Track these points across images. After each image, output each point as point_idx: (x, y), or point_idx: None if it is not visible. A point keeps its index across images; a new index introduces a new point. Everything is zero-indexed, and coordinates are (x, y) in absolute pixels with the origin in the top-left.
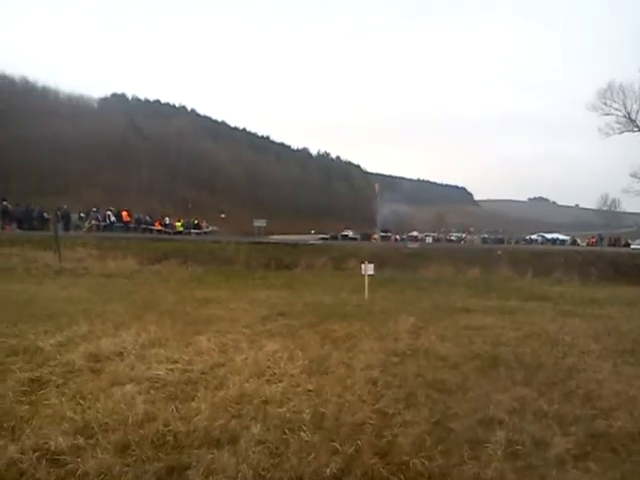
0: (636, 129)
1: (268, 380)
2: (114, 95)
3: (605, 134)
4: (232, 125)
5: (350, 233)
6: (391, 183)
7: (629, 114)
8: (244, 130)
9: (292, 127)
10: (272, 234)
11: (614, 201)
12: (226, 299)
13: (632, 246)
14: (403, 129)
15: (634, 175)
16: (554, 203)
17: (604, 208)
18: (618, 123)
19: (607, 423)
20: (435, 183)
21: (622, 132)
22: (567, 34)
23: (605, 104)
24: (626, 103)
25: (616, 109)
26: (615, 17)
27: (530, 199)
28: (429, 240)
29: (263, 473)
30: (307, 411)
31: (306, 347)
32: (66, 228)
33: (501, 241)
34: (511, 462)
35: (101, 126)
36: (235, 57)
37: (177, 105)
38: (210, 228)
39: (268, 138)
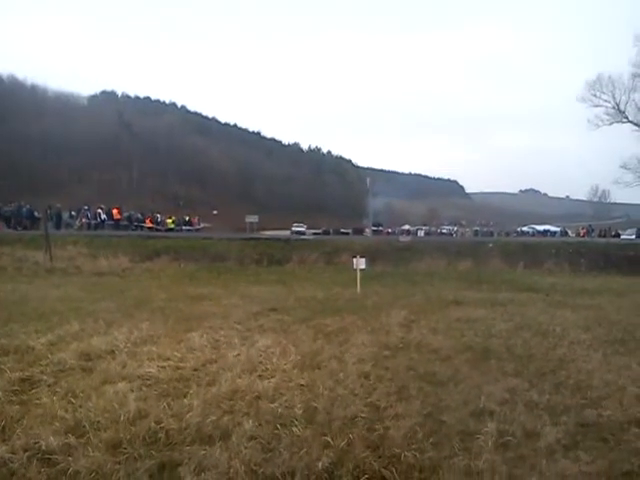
0: (625, 120)
1: (260, 375)
2: (104, 92)
3: (595, 125)
4: (223, 121)
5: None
6: (383, 177)
7: (618, 105)
8: (235, 126)
9: (283, 122)
10: (264, 230)
11: (604, 192)
12: (218, 295)
13: (622, 236)
14: (394, 123)
15: (624, 166)
16: (545, 195)
17: (594, 199)
18: (607, 114)
19: (597, 413)
20: (427, 177)
21: (611, 123)
22: (557, 26)
23: (594, 96)
24: (615, 94)
25: (605, 100)
26: (604, 9)
27: (521, 191)
28: (421, 234)
29: (255, 468)
30: (299, 406)
31: (298, 342)
32: (57, 227)
33: (492, 233)
34: (502, 453)
35: (91, 123)
36: (225, 53)
37: (167, 102)
38: (202, 225)
39: (259, 134)
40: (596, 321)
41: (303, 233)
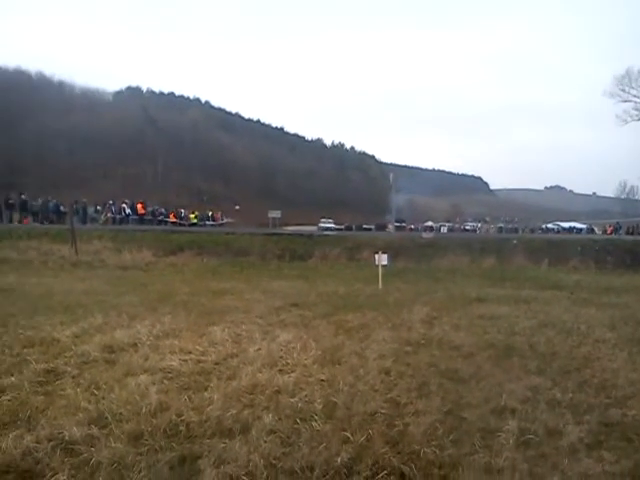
0: None
1: (281, 370)
2: (129, 88)
3: (623, 121)
4: (246, 116)
5: (330, 224)
6: (406, 173)
7: None
8: (258, 121)
9: (306, 118)
10: (287, 225)
11: (632, 188)
12: (240, 290)
13: None
14: (418, 119)
15: None
16: (571, 192)
17: (622, 196)
18: (636, 110)
19: (621, 412)
20: (450, 173)
21: None
22: (581, 19)
23: (623, 90)
24: None
25: (634, 95)
26: (633, 2)
27: (547, 188)
28: (444, 230)
29: (274, 462)
30: (319, 401)
31: (319, 337)
32: (83, 221)
33: (517, 230)
34: (523, 451)
35: (116, 119)
36: (249, 48)
37: (191, 97)
38: (225, 220)
39: (282, 129)
40: (622, 319)
41: (330, 229)
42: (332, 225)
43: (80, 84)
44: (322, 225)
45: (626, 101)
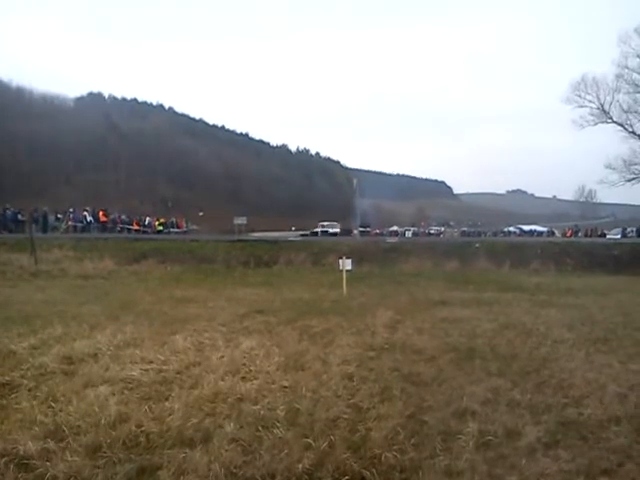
0: (610, 120)
1: (243, 377)
2: (90, 94)
3: (579, 126)
4: (210, 122)
5: (333, 229)
6: (371, 178)
7: (602, 106)
8: (223, 127)
9: (271, 124)
10: (253, 231)
11: (590, 192)
12: (204, 298)
13: (608, 236)
14: (383, 125)
15: (609, 166)
16: (532, 195)
17: (581, 199)
18: (592, 115)
19: (578, 411)
20: (415, 177)
21: (596, 124)
22: (544, 26)
23: (579, 96)
24: (599, 95)
25: (590, 101)
26: (589, 9)
27: (509, 191)
28: (409, 234)
29: (235, 471)
30: (282, 407)
31: (283, 344)
32: (44, 230)
33: (480, 234)
34: (482, 453)
35: (78, 125)
36: (212, 54)
37: (154, 103)
38: (191, 227)
39: (247, 135)
40: (580, 320)
41: (335, 234)
42: (338, 230)
43: (40, 90)
44: (323, 230)
45: (582, 107)
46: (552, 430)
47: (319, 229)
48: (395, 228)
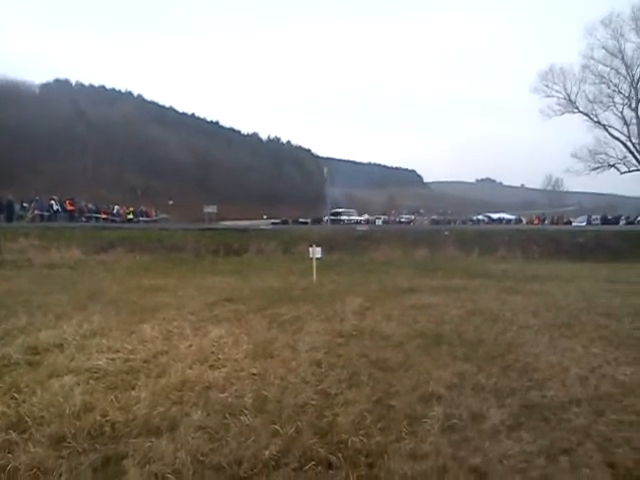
0: (576, 110)
1: (211, 366)
2: (57, 81)
3: (547, 116)
4: (180, 110)
5: (351, 216)
6: (342, 167)
7: (569, 96)
8: (193, 115)
9: (241, 112)
10: (224, 220)
11: (557, 181)
12: (173, 287)
13: (573, 224)
14: (353, 113)
15: (574, 155)
16: (501, 184)
17: (548, 188)
18: (559, 105)
19: (541, 394)
20: (386, 166)
21: (563, 113)
22: (512, 16)
23: (547, 86)
24: (566, 85)
25: (557, 91)
26: (558, 1)
27: (478, 180)
28: (379, 222)
29: (202, 458)
30: (249, 395)
31: (252, 331)
32: (9, 219)
33: (450, 222)
34: (447, 436)
35: (44, 112)
36: (181, 40)
37: (123, 90)
38: (161, 216)
39: (217, 123)
40: (545, 306)
41: (359, 222)
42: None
43: (3, 75)
44: (335, 218)
45: (549, 96)
46: (515, 413)
47: (331, 217)
48: (366, 216)
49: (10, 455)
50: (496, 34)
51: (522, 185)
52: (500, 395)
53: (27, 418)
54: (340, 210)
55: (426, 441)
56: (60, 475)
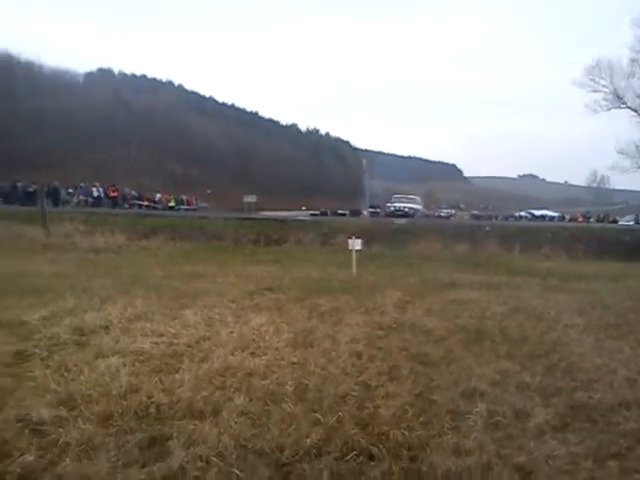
0: (623, 106)
1: (253, 353)
2: (100, 70)
3: (593, 111)
4: (220, 100)
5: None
6: (382, 160)
7: (616, 91)
8: (232, 105)
9: (281, 103)
10: (263, 210)
11: (603, 178)
12: (213, 274)
13: (620, 222)
14: (394, 106)
15: (621, 152)
16: (543, 180)
17: (593, 185)
18: (605, 100)
19: (587, 395)
20: (426, 160)
21: (609, 109)
22: (556, 9)
23: (593, 81)
24: (613, 80)
25: (603, 86)
26: None
27: (520, 176)
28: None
29: (244, 443)
30: (290, 383)
31: (292, 321)
32: (55, 204)
33: (491, 217)
34: (491, 433)
35: (87, 101)
36: (222, 32)
37: (164, 80)
38: (201, 204)
39: (257, 114)
40: (590, 305)
41: (412, 213)
42: (413, 206)
43: (49, 64)
44: (396, 205)
45: (596, 91)
46: (561, 413)
47: (392, 205)
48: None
49: (61, 430)
50: (540, 26)
51: (565, 182)
52: (545, 394)
53: (76, 396)
54: (399, 196)
55: (469, 437)
56: (108, 452)
